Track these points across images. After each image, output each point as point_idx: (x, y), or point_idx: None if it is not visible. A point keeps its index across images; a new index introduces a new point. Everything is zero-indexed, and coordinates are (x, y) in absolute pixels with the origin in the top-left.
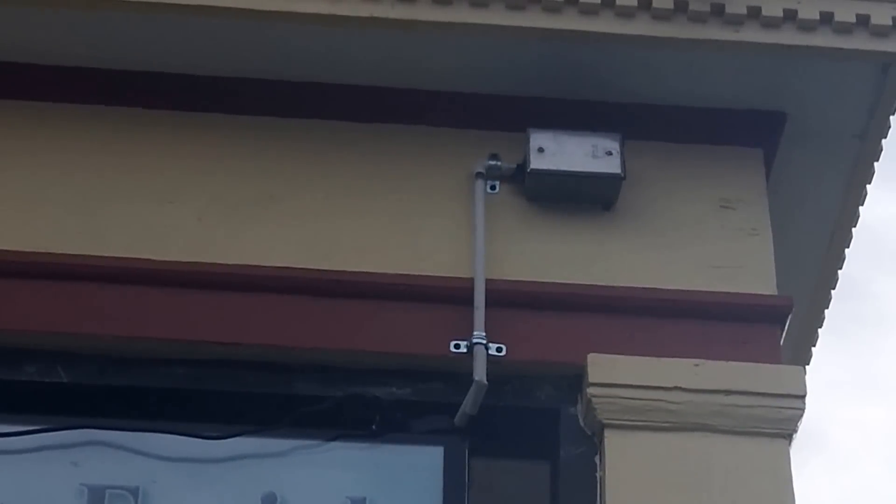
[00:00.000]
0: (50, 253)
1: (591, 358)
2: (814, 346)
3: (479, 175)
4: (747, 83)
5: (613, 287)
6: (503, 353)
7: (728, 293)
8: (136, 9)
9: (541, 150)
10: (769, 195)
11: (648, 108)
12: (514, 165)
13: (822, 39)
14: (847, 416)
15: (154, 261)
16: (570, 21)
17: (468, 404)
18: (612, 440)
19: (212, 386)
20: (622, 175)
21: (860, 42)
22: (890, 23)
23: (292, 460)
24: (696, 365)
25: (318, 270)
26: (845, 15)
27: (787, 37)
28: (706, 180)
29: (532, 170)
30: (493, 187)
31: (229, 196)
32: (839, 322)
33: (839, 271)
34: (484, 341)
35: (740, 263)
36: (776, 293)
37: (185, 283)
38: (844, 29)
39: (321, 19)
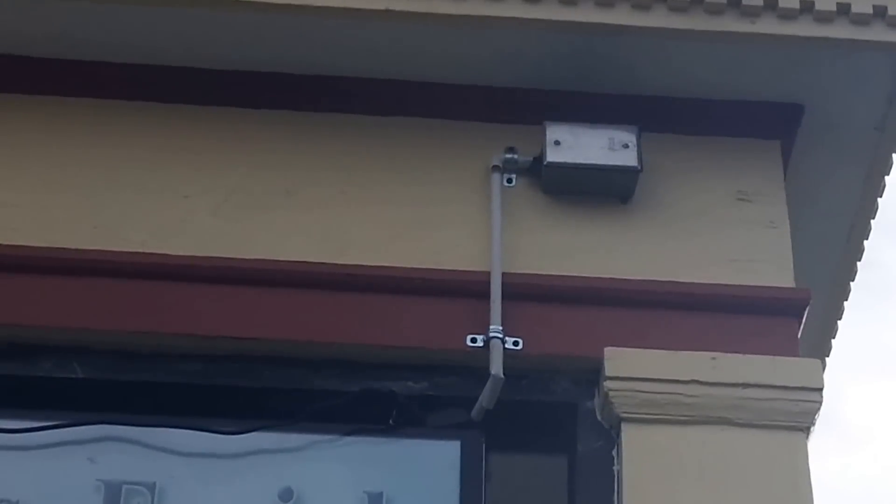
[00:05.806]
0: (65, 248)
1: (608, 352)
2: (833, 338)
3: (495, 168)
4: (764, 75)
5: (630, 280)
6: (520, 346)
7: (746, 286)
8: (154, 2)
9: (557, 142)
10: (787, 187)
11: (665, 101)
12: (531, 158)
13: (840, 31)
14: (858, 391)
15: (169, 255)
16: (586, 13)
17: (485, 398)
18: (629, 434)
19: (228, 381)
20: (639, 168)
21: (877, 33)
22: None
23: (309, 455)
24: (714, 358)
25: (335, 264)
26: (862, 6)
27: (804, 28)
28: (723, 173)
29: (549, 163)
30: (509, 180)
31: (245, 190)
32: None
33: (858, 263)
34: (500, 335)
35: (758, 256)
36: (794, 285)
37: (200, 277)
38: (861, 20)
39: (337, 12)
